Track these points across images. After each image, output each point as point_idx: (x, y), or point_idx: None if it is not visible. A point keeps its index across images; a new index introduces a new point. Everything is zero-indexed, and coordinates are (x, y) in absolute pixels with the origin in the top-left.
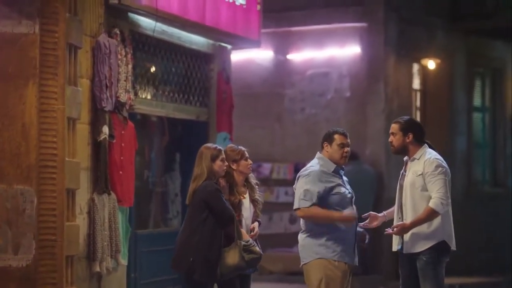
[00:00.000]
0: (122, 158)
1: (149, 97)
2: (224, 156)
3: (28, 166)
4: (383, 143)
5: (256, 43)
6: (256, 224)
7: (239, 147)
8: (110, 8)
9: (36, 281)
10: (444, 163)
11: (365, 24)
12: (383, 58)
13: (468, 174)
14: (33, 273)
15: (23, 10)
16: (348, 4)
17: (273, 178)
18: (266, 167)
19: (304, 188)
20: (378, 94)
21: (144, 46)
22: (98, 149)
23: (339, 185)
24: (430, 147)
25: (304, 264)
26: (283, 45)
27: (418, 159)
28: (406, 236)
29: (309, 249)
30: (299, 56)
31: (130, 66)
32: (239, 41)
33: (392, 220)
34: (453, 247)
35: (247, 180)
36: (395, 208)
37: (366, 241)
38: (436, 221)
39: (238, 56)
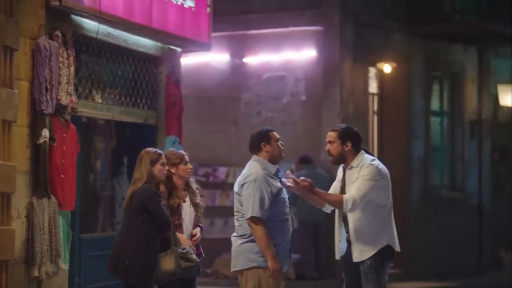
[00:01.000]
0: (63, 161)
1: (93, 100)
2: (164, 160)
3: None
4: None
5: (206, 46)
6: (198, 229)
7: (180, 151)
8: (51, 10)
9: None
10: (381, 168)
11: (321, 27)
12: (339, 62)
13: (426, 179)
14: None
15: None
16: (304, 7)
17: (229, 182)
18: (222, 171)
19: (256, 196)
20: (333, 98)
21: (89, 49)
22: (38, 153)
23: (281, 189)
24: (368, 152)
25: (238, 270)
26: (239, 48)
27: (356, 167)
28: (352, 245)
29: (245, 256)
30: (255, 59)
31: (72, 69)
32: (189, 44)
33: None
34: (397, 249)
35: (187, 184)
36: (336, 217)
37: None
38: (378, 226)
39: (194, 60)
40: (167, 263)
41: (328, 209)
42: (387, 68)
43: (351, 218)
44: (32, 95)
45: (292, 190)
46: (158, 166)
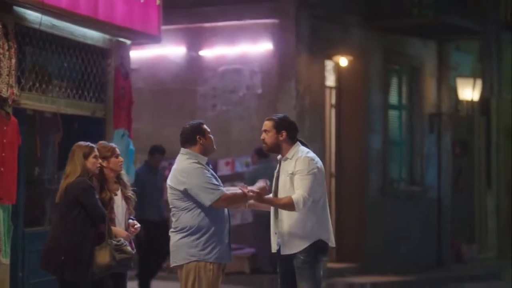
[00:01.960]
0: (3, 154)
1: (37, 92)
2: (97, 153)
3: None
4: None
5: (156, 39)
6: (135, 221)
7: (111, 144)
8: None
9: None
10: (317, 161)
11: (276, 20)
12: (295, 55)
13: (384, 172)
14: None
15: None
16: (261, 0)
17: None
18: None
19: (205, 179)
20: (289, 91)
21: (33, 40)
22: None
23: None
24: (304, 144)
25: (177, 265)
26: (195, 41)
27: (290, 159)
28: (283, 238)
29: (183, 250)
30: (211, 52)
31: (13, 61)
32: (138, 36)
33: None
34: (332, 244)
35: (119, 177)
36: (272, 210)
37: None
38: (312, 220)
39: (150, 52)
40: (102, 257)
41: None
42: (343, 61)
43: (284, 211)
44: None
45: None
46: (91, 159)
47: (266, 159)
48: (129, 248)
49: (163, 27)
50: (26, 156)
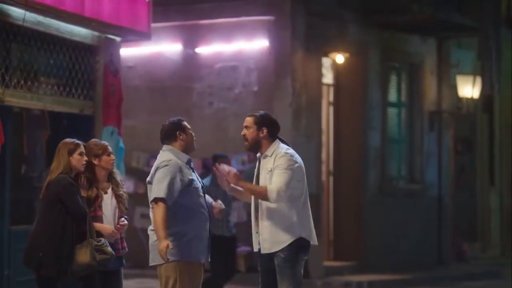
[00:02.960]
0: None
1: (23, 89)
2: (82, 150)
3: None
4: (290, 138)
5: (146, 36)
6: (123, 219)
7: (102, 142)
8: None
9: None
10: (297, 158)
11: (272, 17)
12: (290, 52)
13: (382, 170)
14: None
15: None
16: None
17: None
18: None
19: (168, 178)
20: (285, 89)
21: (17, 37)
22: None
23: (193, 179)
24: (284, 142)
25: (157, 265)
26: (191, 38)
27: (270, 156)
28: (263, 236)
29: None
30: (207, 49)
31: None
32: (126, 33)
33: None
34: (314, 242)
35: (111, 175)
36: (252, 208)
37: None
38: (291, 218)
39: (146, 50)
40: (82, 256)
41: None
42: (339, 58)
43: (265, 209)
44: None
45: (223, 187)
46: (75, 156)
47: None
48: (109, 249)
49: (159, 24)
50: (12, 154)
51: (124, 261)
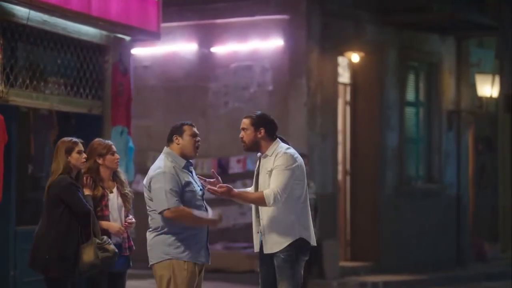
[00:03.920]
0: None
1: (28, 89)
2: (81, 148)
3: None
4: (305, 137)
5: (156, 35)
6: (131, 217)
7: (107, 141)
8: None
9: None
10: (297, 157)
11: (287, 16)
12: (305, 51)
13: (400, 170)
14: None
15: None
16: None
17: (197, 174)
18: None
19: (167, 187)
20: (300, 88)
21: (22, 37)
22: None
23: (190, 182)
24: (284, 141)
25: (153, 264)
26: (207, 37)
27: (270, 156)
28: (264, 237)
29: (158, 249)
30: (223, 49)
31: None
32: (136, 32)
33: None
34: (313, 242)
35: (116, 174)
36: (253, 207)
37: None
38: (291, 218)
39: (162, 49)
40: (87, 255)
41: None
42: (356, 58)
43: (264, 210)
44: None
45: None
46: (74, 155)
47: None
48: (111, 247)
49: (175, 24)
50: (19, 154)
51: (131, 262)
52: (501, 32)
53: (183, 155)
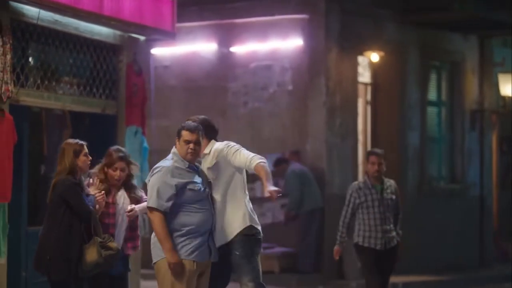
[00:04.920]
0: None
1: (39, 89)
2: (86, 150)
3: None
4: (324, 137)
5: (170, 35)
6: (133, 206)
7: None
8: None
9: None
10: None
11: (306, 16)
12: (324, 51)
13: (422, 170)
14: None
15: None
16: None
17: None
18: None
19: (157, 186)
20: (319, 88)
21: (33, 36)
22: None
23: (192, 182)
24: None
25: (154, 263)
26: (226, 37)
27: (208, 153)
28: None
29: (157, 247)
30: (242, 48)
31: (8, 57)
32: (150, 32)
33: None
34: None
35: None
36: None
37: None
38: (243, 209)
39: (181, 49)
40: (90, 254)
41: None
42: (375, 57)
43: (221, 203)
44: None
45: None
46: (81, 157)
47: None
48: (114, 244)
49: (194, 24)
50: (30, 154)
51: (130, 265)
52: None
53: (182, 157)
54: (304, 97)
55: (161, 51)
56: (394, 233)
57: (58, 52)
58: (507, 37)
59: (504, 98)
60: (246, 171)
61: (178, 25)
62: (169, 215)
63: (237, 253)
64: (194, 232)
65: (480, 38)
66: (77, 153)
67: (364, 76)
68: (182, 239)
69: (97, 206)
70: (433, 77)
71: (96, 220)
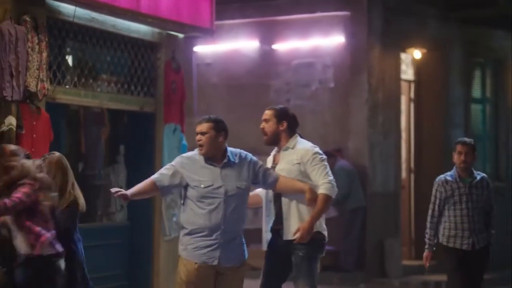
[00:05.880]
0: (33, 149)
1: (76, 87)
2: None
3: None
4: (366, 135)
5: (209, 32)
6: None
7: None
8: None
9: None
10: (320, 151)
11: (348, 12)
12: (367, 48)
13: None
14: None
15: None
16: None
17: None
18: None
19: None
20: (361, 85)
21: (70, 34)
22: (1, 140)
23: (203, 180)
24: (302, 138)
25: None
26: (268, 34)
27: (292, 148)
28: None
29: (181, 244)
30: (284, 46)
31: (44, 55)
32: (188, 29)
33: None
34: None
35: None
36: (264, 208)
37: None
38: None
39: (224, 47)
40: None
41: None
42: (418, 54)
43: (287, 201)
44: None
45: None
46: None
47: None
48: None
49: (236, 21)
50: (69, 152)
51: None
52: None
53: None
54: (346, 95)
55: (203, 49)
56: (484, 233)
57: (95, 50)
58: None
59: None
60: None
61: (219, 22)
62: (182, 211)
63: (300, 254)
64: (198, 232)
65: None
66: None
67: (407, 73)
68: (188, 237)
69: None
70: (477, 74)
71: None
